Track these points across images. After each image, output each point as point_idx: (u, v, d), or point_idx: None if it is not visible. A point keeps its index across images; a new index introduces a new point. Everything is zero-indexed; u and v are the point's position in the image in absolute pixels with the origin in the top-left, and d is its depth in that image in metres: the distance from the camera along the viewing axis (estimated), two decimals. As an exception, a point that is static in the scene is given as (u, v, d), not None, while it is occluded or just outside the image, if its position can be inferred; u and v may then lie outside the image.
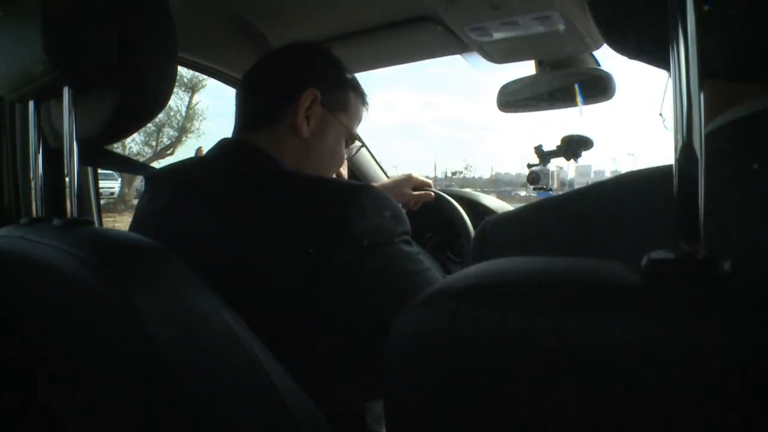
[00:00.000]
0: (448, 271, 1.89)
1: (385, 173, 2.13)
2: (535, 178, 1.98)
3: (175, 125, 16.99)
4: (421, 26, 1.34)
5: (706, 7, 0.39)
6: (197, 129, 17.26)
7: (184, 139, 17.08)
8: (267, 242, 0.81)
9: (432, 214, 1.83)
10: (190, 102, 16.98)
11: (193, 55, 1.53)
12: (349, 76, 1.07)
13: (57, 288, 0.74)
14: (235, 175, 0.90)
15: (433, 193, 1.72)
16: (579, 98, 1.48)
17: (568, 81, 1.50)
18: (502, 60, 1.46)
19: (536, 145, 1.95)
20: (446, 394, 0.43)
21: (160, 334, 0.65)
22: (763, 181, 0.48)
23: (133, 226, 0.99)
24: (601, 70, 1.46)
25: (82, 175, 0.84)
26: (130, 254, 0.72)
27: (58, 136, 0.99)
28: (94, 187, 1.34)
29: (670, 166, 0.52)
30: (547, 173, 1.97)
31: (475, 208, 1.95)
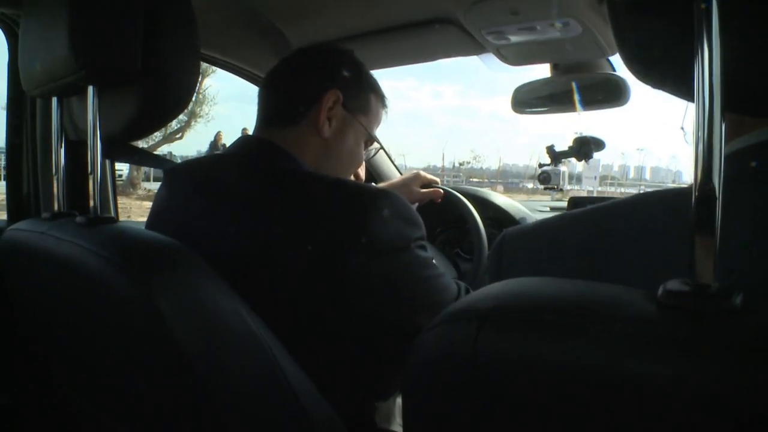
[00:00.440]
0: (457, 267, 1.90)
1: (400, 172, 2.14)
2: (546, 178, 1.98)
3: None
4: (439, 28, 1.34)
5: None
6: (207, 114, 17.24)
7: (193, 123, 17.07)
8: (285, 242, 0.82)
9: (442, 211, 1.84)
10: (200, 87, 16.93)
11: (214, 51, 1.54)
12: (370, 79, 1.09)
13: (81, 286, 0.76)
14: (255, 172, 0.91)
15: (441, 191, 1.73)
16: (594, 102, 1.48)
17: (583, 85, 1.50)
18: (518, 63, 1.46)
19: (548, 145, 1.96)
20: (466, 413, 0.44)
21: (182, 334, 0.66)
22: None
23: (152, 219, 1.00)
24: (617, 75, 1.46)
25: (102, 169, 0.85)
26: (154, 255, 0.73)
27: (79, 130, 1.00)
28: (112, 181, 1.35)
29: (686, 187, 0.53)
30: (558, 173, 1.97)
31: (486, 205, 1.96)
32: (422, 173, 1.74)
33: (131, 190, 13.62)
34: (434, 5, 1.28)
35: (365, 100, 1.06)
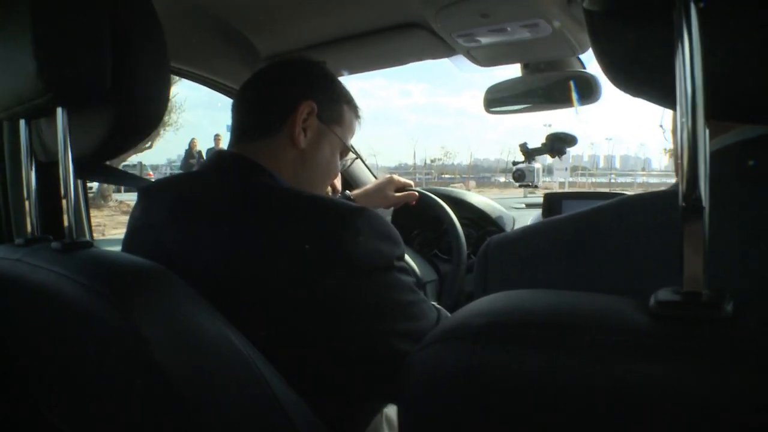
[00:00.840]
0: (436, 268, 1.90)
1: (375, 176, 2.14)
2: (520, 176, 2.00)
3: (153, 118, 16.62)
4: (409, 32, 1.35)
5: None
6: (176, 122, 17.03)
7: (162, 132, 16.83)
8: (262, 261, 0.81)
9: (418, 213, 1.85)
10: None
11: (183, 63, 1.52)
12: (343, 90, 1.09)
13: (59, 314, 0.74)
14: (230, 190, 0.90)
15: (416, 193, 1.74)
16: (566, 100, 1.49)
17: (554, 83, 1.52)
18: (489, 63, 1.47)
19: (521, 143, 1.98)
20: (463, 431, 0.44)
21: (166, 360, 0.65)
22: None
23: (128, 238, 0.98)
24: (587, 72, 1.48)
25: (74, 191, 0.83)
26: (133, 280, 0.72)
27: (48, 151, 0.98)
28: (85, 202, 1.33)
29: (671, 191, 0.54)
30: (532, 170, 1.99)
31: (461, 205, 1.97)
32: (395, 177, 1.76)
33: (102, 202, 13.41)
34: (404, 10, 1.28)
35: (339, 110, 1.07)
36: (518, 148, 2.00)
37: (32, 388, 0.87)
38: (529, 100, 1.62)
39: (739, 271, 0.49)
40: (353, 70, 1.62)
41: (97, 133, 0.83)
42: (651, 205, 0.57)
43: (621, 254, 0.56)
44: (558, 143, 1.88)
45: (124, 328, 0.65)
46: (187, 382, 0.66)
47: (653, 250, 0.53)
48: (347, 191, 1.70)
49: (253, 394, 0.72)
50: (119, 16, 0.78)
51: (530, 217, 2.03)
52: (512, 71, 1.65)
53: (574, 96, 1.47)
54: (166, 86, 0.86)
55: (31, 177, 0.94)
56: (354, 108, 1.11)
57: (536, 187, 2.05)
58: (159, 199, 0.97)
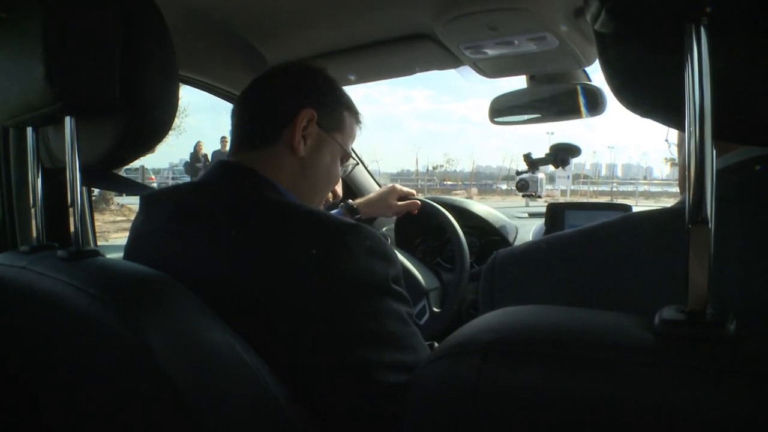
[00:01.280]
0: (439, 277, 1.90)
1: (378, 184, 2.15)
2: (524, 185, 2.00)
3: (156, 123, 16.68)
4: (416, 43, 1.35)
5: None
6: (178, 126, 17.08)
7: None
8: (257, 275, 0.81)
9: (421, 221, 1.86)
10: (170, 99, 16.68)
11: (190, 71, 1.53)
12: (343, 96, 1.09)
13: (65, 323, 0.74)
14: (230, 201, 0.90)
15: (418, 202, 1.75)
16: (570, 112, 1.50)
17: (559, 95, 1.52)
18: (495, 75, 1.48)
19: (525, 153, 1.98)
20: None
21: (173, 369, 0.65)
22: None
23: (129, 246, 0.99)
24: (592, 84, 1.48)
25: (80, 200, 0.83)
26: (140, 290, 0.72)
27: (54, 158, 0.98)
28: (89, 209, 1.33)
29: (676, 208, 0.54)
30: (536, 180, 1.99)
31: (465, 214, 1.97)
32: (398, 186, 1.77)
33: (104, 206, 13.46)
34: (412, 22, 1.28)
35: (339, 117, 1.06)
36: (521, 157, 2.00)
37: (37, 395, 0.87)
38: (533, 112, 1.63)
39: (741, 289, 0.50)
40: (360, 79, 1.63)
41: (105, 141, 0.83)
42: (656, 223, 0.58)
43: (627, 270, 0.56)
44: (562, 154, 1.88)
45: (131, 338, 0.65)
46: (193, 391, 0.66)
47: (659, 268, 0.54)
48: (350, 200, 1.70)
49: (256, 401, 0.72)
50: (130, 26, 0.78)
51: (533, 227, 2.03)
52: (518, 81, 1.66)
53: (583, 107, 1.47)
54: (175, 95, 0.86)
55: (37, 184, 0.94)
56: (354, 114, 1.11)
57: (540, 197, 2.05)
58: (160, 207, 0.97)
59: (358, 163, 1.18)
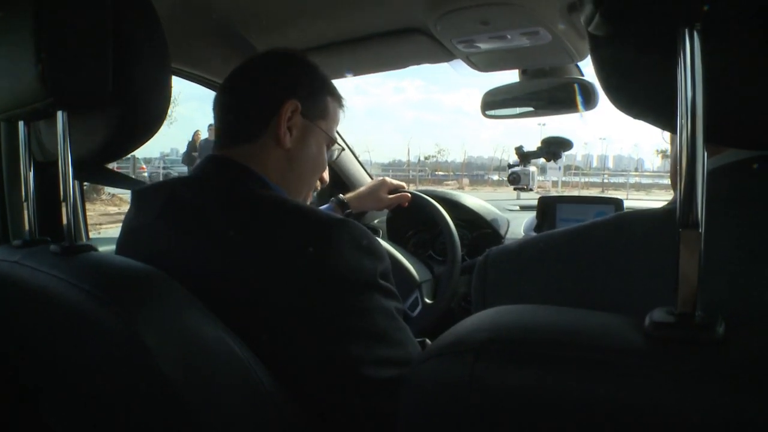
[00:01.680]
0: (431, 269, 1.91)
1: (369, 174, 2.15)
2: (515, 179, 2.01)
3: (147, 112, 16.57)
4: (409, 37, 1.35)
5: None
6: (169, 115, 16.91)
7: (155, 125, 16.73)
8: (246, 271, 0.81)
9: (413, 214, 1.86)
10: (161, 87, 16.56)
11: (183, 64, 1.52)
12: (325, 81, 1.08)
13: (59, 318, 0.74)
14: (219, 196, 0.90)
15: (409, 195, 1.75)
16: (562, 106, 1.50)
17: (552, 89, 1.52)
18: (487, 69, 1.48)
19: (517, 146, 1.98)
20: None
21: (168, 365, 0.65)
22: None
23: (122, 238, 0.99)
24: (584, 79, 1.48)
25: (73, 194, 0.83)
26: (133, 285, 0.72)
27: (46, 151, 0.98)
28: (81, 203, 1.32)
29: (667, 209, 0.55)
30: (527, 173, 2.00)
31: (456, 207, 1.98)
32: (388, 179, 1.77)
33: (95, 195, 13.38)
34: (405, 16, 1.28)
35: (323, 104, 1.06)
36: (513, 149, 2.00)
37: (32, 391, 0.88)
38: (526, 105, 1.63)
39: (731, 291, 0.50)
40: (353, 72, 1.63)
41: (97, 135, 0.83)
42: (648, 224, 0.58)
43: (618, 271, 0.56)
44: (554, 147, 1.89)
45: (126, 334, 0.65)
46: (188, 387, 0.66)
47: (650, 269, 0.54)
48: (340, 195, 1.70)
49: (249, 395, 0.72)
50: (121, 19, 0.77)
51: (524, 220, 2.03)
52: (510, 75, 1.66)
53: (579, 101, 1.47)
54: (168, 88, 0.86)
55: (29, 178, 0.93)
56: (338, 98, 1.10)
57: (531, 190, 2.06)
58: (151, 201, 0.97)
59: (344, 149, 1.17)
